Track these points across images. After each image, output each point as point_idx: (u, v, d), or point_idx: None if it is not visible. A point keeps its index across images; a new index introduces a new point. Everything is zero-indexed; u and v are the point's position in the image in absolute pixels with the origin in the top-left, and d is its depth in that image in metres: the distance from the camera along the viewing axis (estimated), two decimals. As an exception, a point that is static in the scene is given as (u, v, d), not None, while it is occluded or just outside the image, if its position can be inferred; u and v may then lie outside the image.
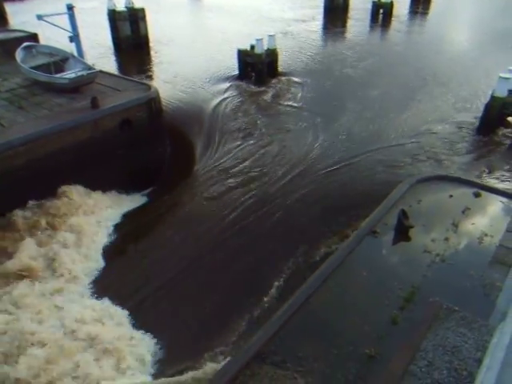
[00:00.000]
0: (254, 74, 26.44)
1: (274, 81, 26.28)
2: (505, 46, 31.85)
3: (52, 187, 15.16)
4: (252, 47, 26.16)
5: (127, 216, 16.31)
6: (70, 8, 19.88)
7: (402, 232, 11.20)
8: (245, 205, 15.66)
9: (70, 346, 10.57)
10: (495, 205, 12.52)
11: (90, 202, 15.89)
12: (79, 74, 18.12)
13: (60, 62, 19.55)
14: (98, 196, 16.33)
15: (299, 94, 24.37)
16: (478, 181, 14.52)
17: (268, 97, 24.12)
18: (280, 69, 27.56)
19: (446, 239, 10.99)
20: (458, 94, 23.89)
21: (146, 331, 11.54)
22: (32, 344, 10.53)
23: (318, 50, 32.42)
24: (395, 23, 40.15)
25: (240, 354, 8.35)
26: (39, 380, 9.79)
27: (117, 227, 15.71)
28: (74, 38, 20.35)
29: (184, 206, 16.42)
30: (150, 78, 27.20)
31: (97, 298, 12.68)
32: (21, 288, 12.36)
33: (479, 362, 7.66)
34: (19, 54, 19.93)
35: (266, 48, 26.34)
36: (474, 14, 45.51)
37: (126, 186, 17.16)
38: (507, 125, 19.95)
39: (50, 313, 11.77)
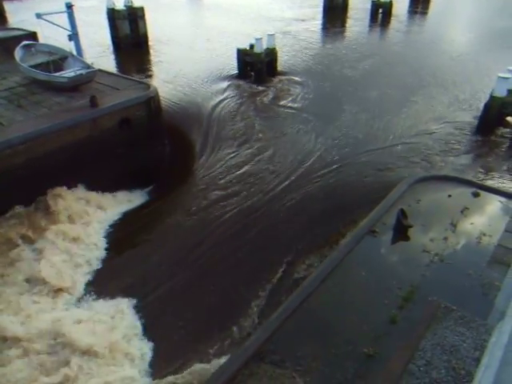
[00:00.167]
0: (253, 74, 26.45)
1: (273, 80, 26.29)
2: (504, 45, 31.91)
3: (49, 186, 15.14)
4: (251, 46, 26.17)
5: (125, 215, 16.29)
6: (69, 6, 19.83)
7: (401, 231, 11.22)
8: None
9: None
10: (494, 205, 12.54)
11: (87, 201, 15.88)
12: (78, 72, 18.09)
13: (59, 60, 19.51)
14: (95, 195, 16.30)
15: (298, 94, 24.37)
16: (476, 181, 14.56)
17: (267, 97, 24.12)
18: (279, 68, 27.58)
19: (445, 239, 11.01)
20: (457, 94, 23.93)
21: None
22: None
23: (318, 50, 32.45)
24: (394, 23, 40.18)
25: (239, 353, 8.35)
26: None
27: (114, 227, 15.68)
28: (73, 36, 20.30)
29: (183, 207, 16.42)
30: (150, 77, 27.20)
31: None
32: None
33: (477, 361, 7.69)
34: (18, 53, 19.90)
35: (265, 47, 26.35)
36: (473, 13, 45.60)
37: (124, 185, 17.11)
38: (506, 124, 20.01)
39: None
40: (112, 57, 31.97)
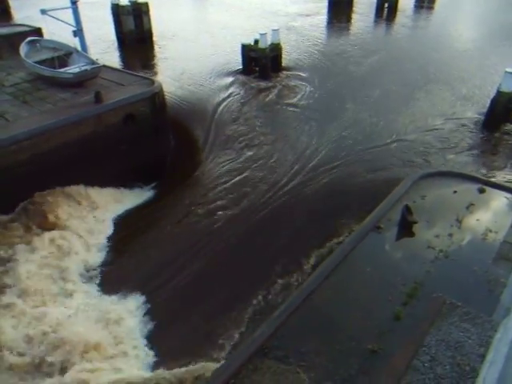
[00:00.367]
0: (257, 69, 26.35)
1: (277, 75, 26.18)
2: (511, 40, 31.58)
3: (55, 182, 15.19)
4: (256, 42, 26.04)
5: (130, 212, 16.31)
6: (74, 2, 19.79)
7: (406, 227, 11.16)
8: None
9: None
10: (500, 201, 12.44)
11: (91, 197, 15.92)
12: (83, 68, 18.11)
13: (64, 56, 19.53)
14: (99, 191, 16.34)
15: (302, 91, 24.25)
16: (482, 176, 14.45)
17: (272, 93, 24.02)
18: (284, 63, 27.45)
19: (450, 235, 10.95)
20: (463, 90, 23.75)
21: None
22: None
23: (323, 45, 32.24)
24: (400, 17, 39.85)
25: (243, 348, 8.37)
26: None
27: (118, 223, 15.72)
28: (78, 32, 20.28)
29: (188, 203, 16.42)
30: (154, 72, 27.18)
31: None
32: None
33: (482, 357, 7.66)
34: (23, 49, 19.93)
35: (269, 42, 26.22)
36: (480, 8, 45.06)
37: (129, 181, 17.16)
38: (513, 120, 19.83)
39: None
40: (116, 52, 31.98)
